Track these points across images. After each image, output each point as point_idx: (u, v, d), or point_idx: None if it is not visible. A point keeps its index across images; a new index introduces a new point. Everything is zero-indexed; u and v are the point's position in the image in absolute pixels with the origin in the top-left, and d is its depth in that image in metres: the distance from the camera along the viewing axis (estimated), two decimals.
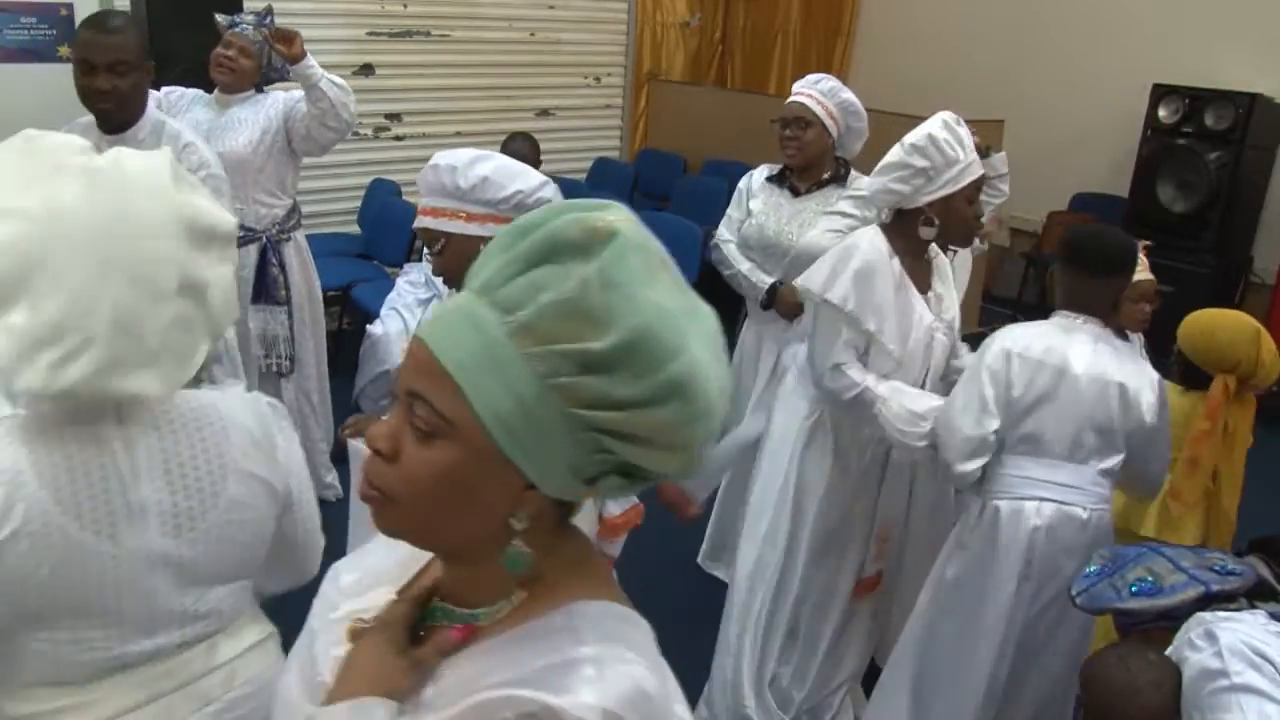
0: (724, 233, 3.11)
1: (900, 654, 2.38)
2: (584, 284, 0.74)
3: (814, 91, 2.94)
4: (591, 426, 0.75)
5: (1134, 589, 1.73)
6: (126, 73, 2.54)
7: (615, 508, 2.01)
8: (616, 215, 0.77)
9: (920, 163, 2.16)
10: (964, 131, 2.21)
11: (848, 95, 2.98)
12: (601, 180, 6.17)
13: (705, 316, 0.80)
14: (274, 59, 3.27)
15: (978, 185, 2.25)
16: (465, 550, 0.83)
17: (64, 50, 4.20)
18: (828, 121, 2.92)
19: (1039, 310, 6.46)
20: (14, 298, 1.11)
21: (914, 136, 2.19)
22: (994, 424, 2.12)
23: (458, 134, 5.56)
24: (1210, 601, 1.67)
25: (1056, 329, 2.18)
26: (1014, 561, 2.12)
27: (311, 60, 3.12)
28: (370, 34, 5.28)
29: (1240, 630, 1.50)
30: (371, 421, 1.15)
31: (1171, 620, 1.68)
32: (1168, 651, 1.60)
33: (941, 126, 2.18)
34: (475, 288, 0.78)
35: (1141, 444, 2.13)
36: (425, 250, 1.99)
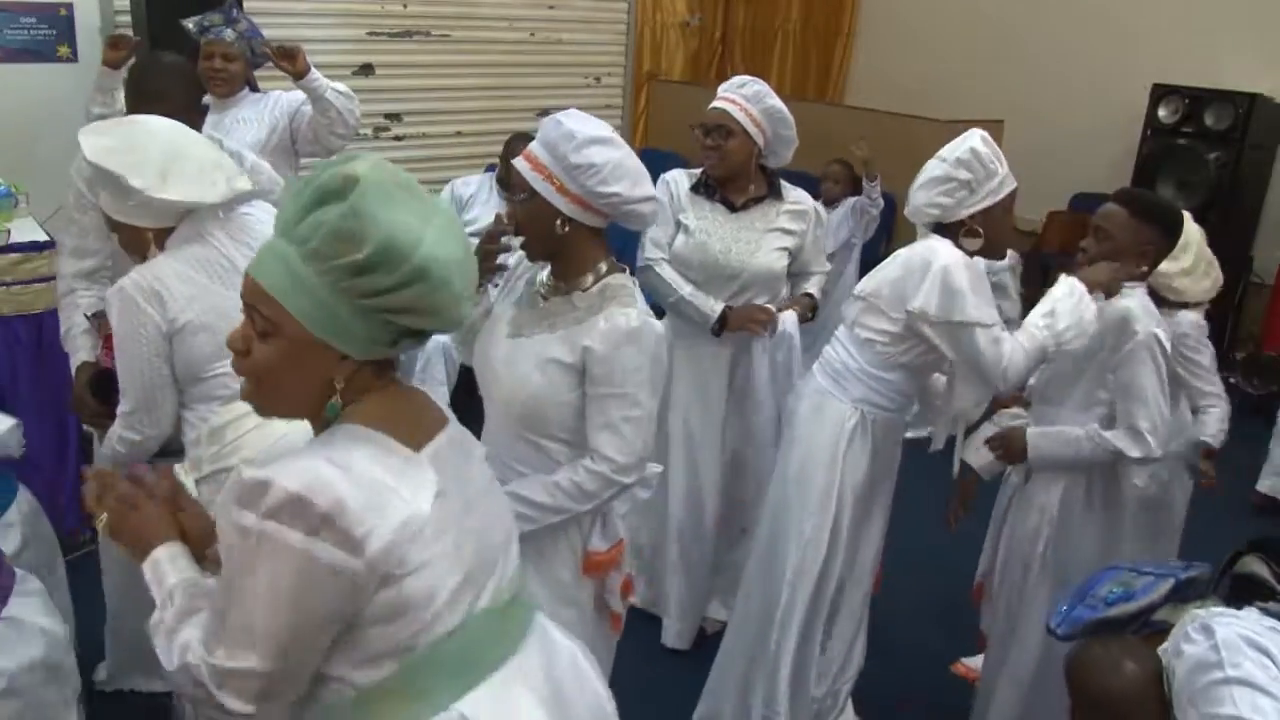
0: (654, 252, 2.79)
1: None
2: (342, 217, 1.09)
3: (737, 97, 2.72)
4: (373, 310, 1.12)
5: (1109, 600, 1.75)
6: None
7: (601, 543, 1.92)
8: (363, 164, 1.11)
9: (964, 175, 2.23)
10: (996, 148, 2.29)
11: (774, 101, 2.75)
12: None
13: (439, 214, 1.15)
14: (256, 48, 3.26)
15: (1013, 195, 2.30)
16: (309, 408, 1.18)
17: (63, 50, 4.21)
18: (751, 129, 2.71)
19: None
20: (173, 171, 1.98)
21: (956, 151, 2.25)
22: None
23: (458, 134, 5.56)
24: (1181, 590, 1.68)
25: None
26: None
27: (315, 73, 3.12)
28: (370, 34, 5.28)
29: (1236, 624, 1.50)
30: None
31: (1149, 626, 1.68)
32: (1163, 647, 1.60)
33: (981, 141, 2.25)
34: (280, 230, 1.14)
35: None
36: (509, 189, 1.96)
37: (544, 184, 1.79)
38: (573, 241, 1.83)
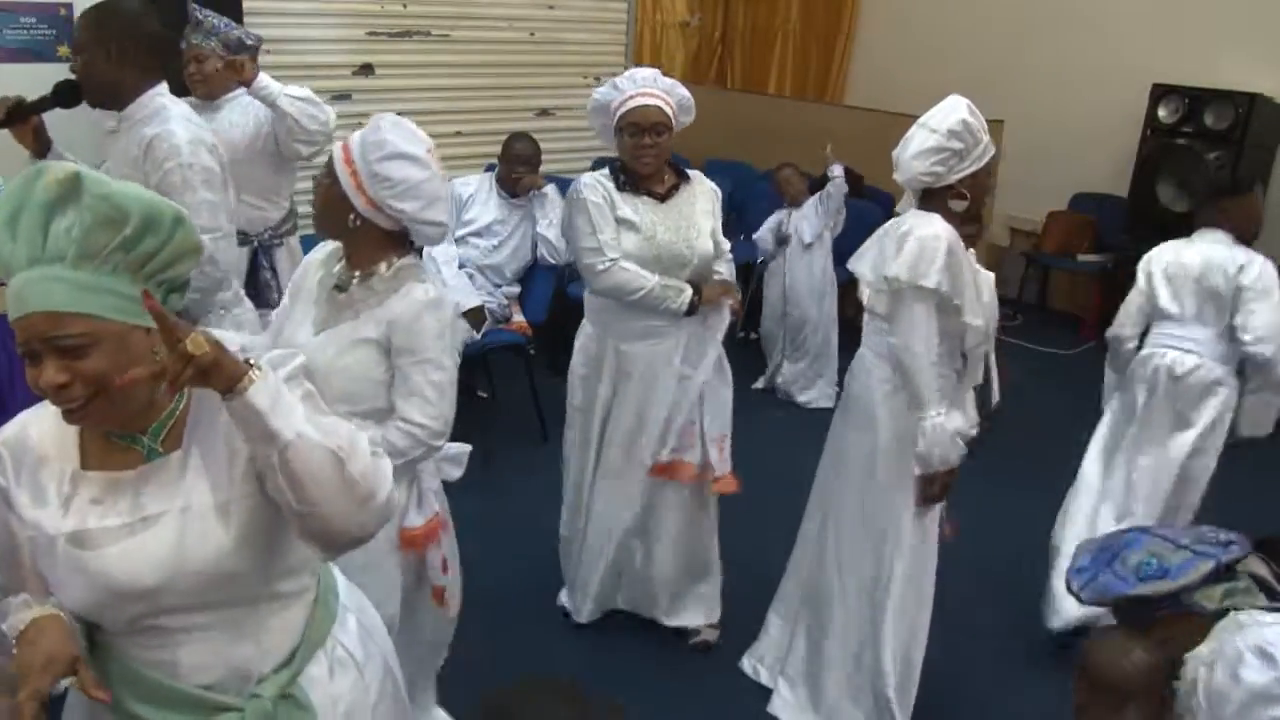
0: (611, 252, 2.72)
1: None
2: (95, 209, 1.15)
3: (658, 91, 2.72)
4: (150, 274, 1.20)
5: (1141, 575, 1.71)
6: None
7: (417, 519, 2.03)
8: (56, 166, 1.16)
9: (956, 145, 2.37)
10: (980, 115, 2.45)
11: (682, 90, 2.78)
12: None
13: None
14: (228, 41, 3.26)
15: (994, 159, 2.48)
16: (155, 386, 1.20)
17: (63, 50, 4.20)
18: (674, 121, 2.75)
19: (1039, 310, 6.47)
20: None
21: (947, 122, 2.38)
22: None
23: (458, 134, 5.55)
24: (1219, 574, 1.66)
25: (1193, 237, 3.17)
26: (1142, 386, 3.11)
27: (264, 79, 3.14)
28: (370, 34, 5.27)
29: None
30: None
31: (1179, 606, 1.67)
32: (1200, 650, 1.58)
33: (969, 111, 2.40)
34: (25, 264, 1.15)
35: (1242, 304, 2.93)
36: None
37: (347, 178, 1.90)
38: (362, 237, 1.94)
